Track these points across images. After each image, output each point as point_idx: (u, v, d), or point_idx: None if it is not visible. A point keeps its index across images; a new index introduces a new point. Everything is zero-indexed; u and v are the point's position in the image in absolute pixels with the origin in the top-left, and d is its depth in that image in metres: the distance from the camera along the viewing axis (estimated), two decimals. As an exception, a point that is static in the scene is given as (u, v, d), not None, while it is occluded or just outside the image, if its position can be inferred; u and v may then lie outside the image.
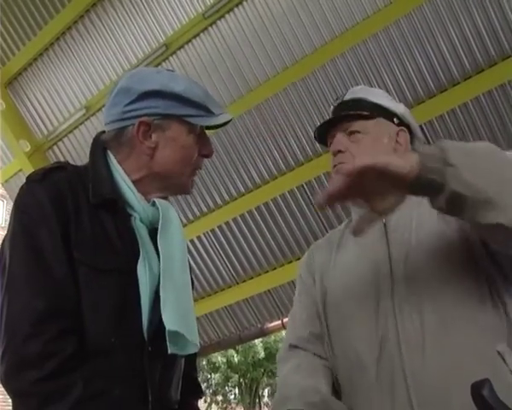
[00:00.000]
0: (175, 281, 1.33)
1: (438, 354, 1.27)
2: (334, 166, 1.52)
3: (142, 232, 1.35)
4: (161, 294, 1.28)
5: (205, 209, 5.64)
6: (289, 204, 5.29)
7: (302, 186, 5.15)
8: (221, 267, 5.85)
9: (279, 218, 5.38)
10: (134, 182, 1.38)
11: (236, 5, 4.71)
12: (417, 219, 1.43)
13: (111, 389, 1.20)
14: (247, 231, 5.56)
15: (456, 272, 1.31)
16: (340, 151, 1.50)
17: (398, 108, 1.59)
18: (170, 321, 1.27)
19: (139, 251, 1.31)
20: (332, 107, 1.64)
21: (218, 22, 4.85)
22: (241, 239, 5.61)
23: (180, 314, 1.30)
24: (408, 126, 1.58)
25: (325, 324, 1.53)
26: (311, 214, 5.25)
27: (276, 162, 5.19)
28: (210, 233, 5.72)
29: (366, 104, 1.54)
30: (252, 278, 5.74)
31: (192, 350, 1.35)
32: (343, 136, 1.52)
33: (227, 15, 4.80)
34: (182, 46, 5.02)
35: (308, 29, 4.62)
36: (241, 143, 5.22)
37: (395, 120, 1.55)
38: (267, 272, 5.61)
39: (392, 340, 1.33)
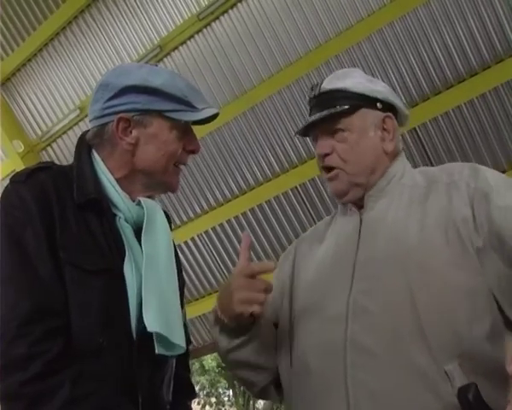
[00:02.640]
0: (159, 282, 1.31)
1: (380, 365, 1.22)
2: (323, 167, 1.47)
3: (127, 232, 1.33)
4: (143, 295, 1.27)
5: (198, 211, 5.63)
6: (283, 206, 5.29)
7: (296, 188, 5.16)
8: (214, 269, 5.84)
9: (273, 219, 5.38)
10: (118, 180, 1.36)
11: (231, 7, 4.71)
12: (394, 216, 1.37)
13: (99, 390, 1.19)
14: (240, 232, 5.55)
15: (423, 277, 1.25)
16: (326, 154, 1.45)
17: (380, 91, 1.49)
18: (151, 322, 1.25)
19: (125, 251, 1.30)
20: (308, 98, 1.54)
21: (213, 24, 4.85)
22: (235, 241, 5.60)
23: (162, 315, 1.28)
24: (392, 106, 1.50)
25: (288, 323, 1.48)
26: (304, 216, 5.25)
27: (269, 164, 5.19)
28: (204, 235, 5.71)
29: (346, 96, 1.45)
30: (245, 279, 5.72)
31: (179, 351, 1.33)
32: (327, 137, 1.46)
33: (221, 17, 4.80)
34: (176, 47, 5.03)
35: (302, 31, 4.63)
36: (235, 144, 5.22)
37: (378, 104, 1.47)
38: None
39: (338, 342, 1.27)
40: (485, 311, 1.23)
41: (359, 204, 1.46)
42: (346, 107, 1.44)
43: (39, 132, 5.85)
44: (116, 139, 1.36)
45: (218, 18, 4.81)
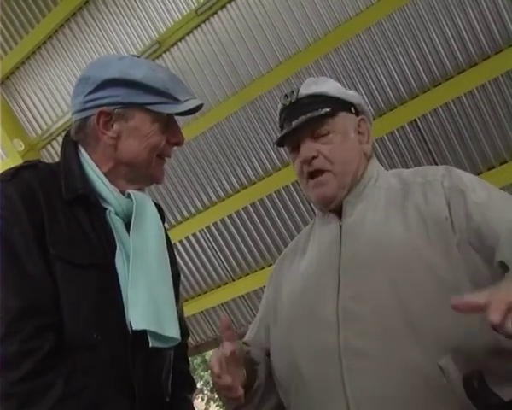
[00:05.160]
0: (148, 274, 1.30)
1: (376, 367, 1.23)
2: (310, 172, 1.47)
3: (117, 225, 1.33)
4: (129, 291, 1.26)
5: (200, 207, 5.62)
6: (284, 200, 5.28)
7: (297, 182, 5.12)
8: (217, 264, 5.84)
9: (274, 214, 5.37)
10: (105, 174, 1.36)
11: (229, 1, 4.69)
12: (373, 220, 1.39)
13: (93, 385, 1.19)
14: (242, 227, 5.55)
15: (408, 276, 1.26)
16: (313, 157, 1.46)
17: (353, 96, 1.55)
18: (137, 320, 1.24)
19: (116, 245, 1.30)
20: (282, 105, 1.54)
21: (211, 19, 4.83)
22: (237, 236, 5.60)
23: (151, 310, 1.27)
24: (362, 113, 1.56)
25: (277, 336, 1.50)
26: (305, 209, 5.24)
27: (270, 158, 5.18)
28: (205, 230, 5.71)
29: (325, 100, 1.48)
30: (248, 274, 5.73)
31: (173, 343, 1.33)
32: (310, 140, 1.47)
33: (220, 12, 4.78)
34: (175, 43, 5.01)
35: (301, 24, 4.61)
36: (235, 139, 5.21)
37: (352, 109, 1.52)
38: (263, 268, 5.61)
39: (332, 349, 1.29)
40: None
41: (338, 210, 1.48)
42: (328, 110, 1.46)
43: (39, 131, 5.84)
44: (98, 133, 1.35)
45: (216, 13, 4.79)
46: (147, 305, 1.27)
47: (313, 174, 1.47)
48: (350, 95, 1.54)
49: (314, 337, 1.35)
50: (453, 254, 1.26)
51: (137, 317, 1.25)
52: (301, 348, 1.38)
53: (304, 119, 1.45)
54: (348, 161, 1.47)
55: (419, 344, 1.21)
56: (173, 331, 1.31)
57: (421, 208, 1.33)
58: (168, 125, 1.40)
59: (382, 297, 1.27)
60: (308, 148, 1.46)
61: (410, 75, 4.47)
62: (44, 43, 5.38)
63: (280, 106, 1.56)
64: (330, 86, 1.53)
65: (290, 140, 1.52)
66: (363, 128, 1.54)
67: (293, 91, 1.52)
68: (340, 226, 1.44)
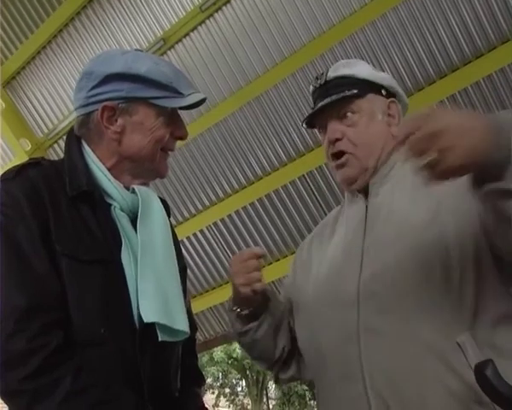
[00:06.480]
0: (156, 268, 1.31)
1: (393, 347, 1.25)
2: (333, 154, 1.49)
3: (122, 221, 1.33)
4: (139, 285, 1.27)
5: (207, 203, 5.63)
6: (291, 195, 5.28)
7: (304, 177, 5.14)
8: (224, 260, 5.84)
9: (281, 209, 5.37)
10: (109, 169, 1.36)
11: (233, -3, 4.69)
12: (399, 200, 1.39)
13: (102, 381, 1.19)
14: (249, 223, 5.55)
15: (427, 258, 1.26)
16: (337, 139, 1.47)
17: (384, 78, 1.55)
18: (147, 313, 1.25)
19: (121, 240, 1.30)
20: (313, 87, 1.56)
21: (216, 15, 4.83)
22: (244, 232, 5.61)
23: (161, 303, 1.28)
24: (394, 95, 1.55)
25: (302, 313, 1.54)
26: (313, 205, 5.24)
27: (276, 153, 5.18)
28: (212, 227, 5.71)
29: (353, 82, 1.48)
30: (256, 270, 5.73)
31: (183, 336, 1.33)
32: (336, 122, 1.48)
33: (224, 8, 4.77)
34: (179, 40, 5.01)
35: (306, 19, 4.60)
36: (241, 134, 5.21)
37: (383, 91, 1.52)
38: (270, 263, 5.61)
39: (351, 328, 1.31)
40: (495, 286, 1.24)
41: (366, 191, 1.49)
42: (355, 91, 1.46)
43: (46, 130, 5.86)
44: (102, 128, 1.35)
45: (220, 8, 4.78)
46: (156, 298, 1.27)
47: (337, 155, 1.49)
48: (380, 77, 1.54)
49: (335, 317, 1.37)
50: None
51: (148, 310, 1.25)
52: (322, 328, 1.41)
53: (329, 100, 1.47)
54: (373, 143, 1.47)
55: (436, 323, 1.22)
56: (183, 324, 1.32)
57: (448, 191, 1.28)
58: (172, 118, 1.40)
59: (401, 276, 1.28)
60: (333, 129, 1.48)
61: (415, 67, 4.45)
62: (49, 42, 5.39)
63: (311, 88, 1.58)
64: (360, 68, 1.53)
65: (319, 121, 1.54)
66: (394, 110, 1.52)
67: (323, 73, 1.54)
68: (366, 207, 1.46)
